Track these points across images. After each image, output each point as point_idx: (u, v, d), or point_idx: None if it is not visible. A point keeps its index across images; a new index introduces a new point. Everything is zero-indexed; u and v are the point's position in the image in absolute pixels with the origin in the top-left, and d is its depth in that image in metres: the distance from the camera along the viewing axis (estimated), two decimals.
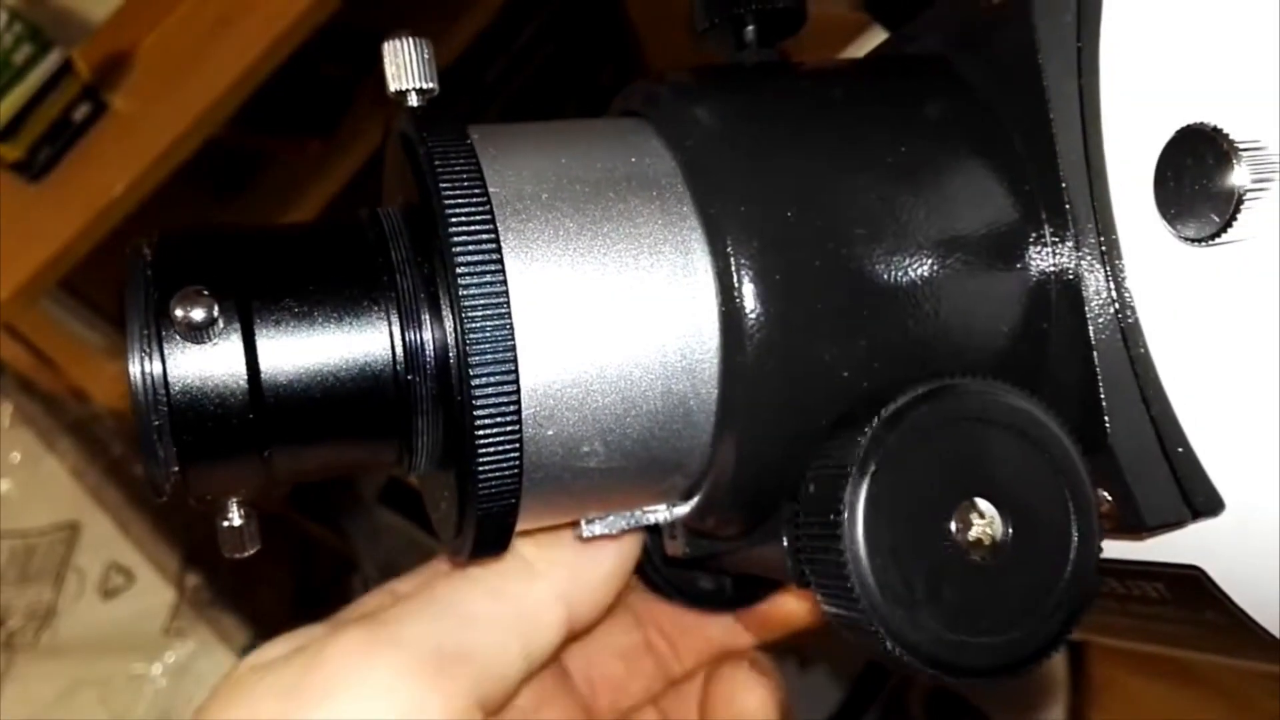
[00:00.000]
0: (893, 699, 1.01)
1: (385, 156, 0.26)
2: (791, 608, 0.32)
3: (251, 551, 0.24)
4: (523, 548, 0.27)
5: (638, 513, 0.26)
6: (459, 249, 0.21)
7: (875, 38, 0.41)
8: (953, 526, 0.21)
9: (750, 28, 0.28)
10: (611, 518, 0.26)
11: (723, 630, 0.33)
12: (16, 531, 1.13)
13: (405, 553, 1.45)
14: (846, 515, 0.20)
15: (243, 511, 0.24)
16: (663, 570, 0.32)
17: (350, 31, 1.20)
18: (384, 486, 0.84)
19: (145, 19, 1.06)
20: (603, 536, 0.26)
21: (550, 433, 0.22)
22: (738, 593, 0.33)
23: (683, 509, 0.26)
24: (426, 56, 0.25)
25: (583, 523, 0.26)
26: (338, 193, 1.20)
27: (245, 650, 1.07)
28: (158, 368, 0.21)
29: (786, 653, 1.05)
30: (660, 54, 1.44)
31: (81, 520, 1.12)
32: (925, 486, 0.21)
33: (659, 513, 0.26)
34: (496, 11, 1.26)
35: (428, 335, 0.22)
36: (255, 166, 1.24)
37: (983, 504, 0.21)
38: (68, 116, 1.03)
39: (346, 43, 1.24)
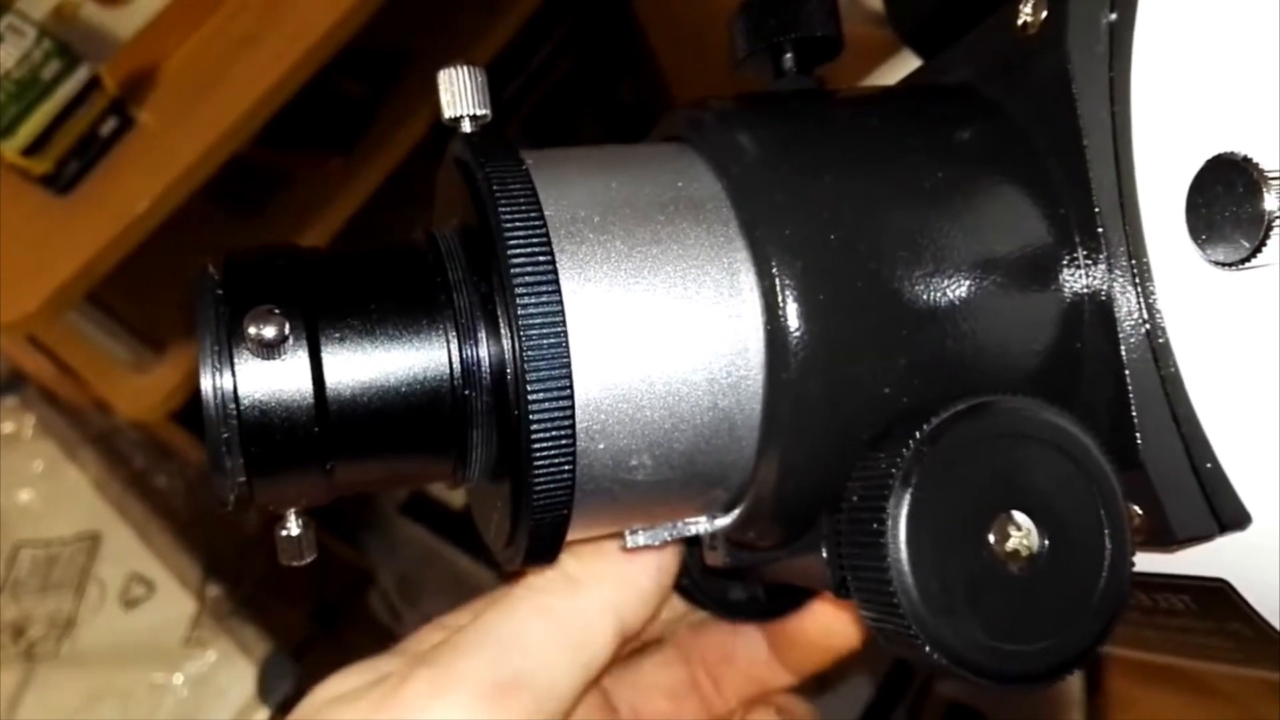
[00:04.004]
0: (910, 716, 1.02)
1: (438, 181, 0.27)
2: (827, 638, 0.33)
3: (309, 560, 0.25)
4: (566, 564, 0.28)
5: (679, 524, 0.27)
6: (517, 270, 0.22)
7: (901, 60, 0.42)
8: (991, 538, 0.21)
9: (789, 55, 0.29)
10: (654, 529, 0.27)
11: (764, 668, 0.34)
12: (38, 541, 1.14)
13: (422, 567, 1.46)
14: (890, 525, 0.21)
15: (301, 521, 0.25)
16: (699, 580, 0.33)
17: (370, 51, 1.22)
18: (406, 499, 0.85)
19: (172, 36, 1.08)
20: (646, 547, 0.27)
21: (601, 446, 0.23)
22: (770, 603, 0.33)
23: (724, 520, 0.26)
24: (480, 83, 0.26)
25: (627, 534, 0.27)
26: (357, 209, 1.22)
27: (265, 661, 1.08)
28: (228, 382, 0.22)
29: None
30: (675, 70, 1.45)
31: (103, 530, 1.13)
32: (965, 499, 0.21)
33: (699, 524, 0.27)
34: (515, 31, 1.28)
35: (484, 352, 0.23)
36: (276, 183, 1.26)
37: (1020, 517, 0.22)
38: (95, 131, 1.05)
39: (367, 62, 1.25)
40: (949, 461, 0.21)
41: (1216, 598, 0.26)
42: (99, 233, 1.02)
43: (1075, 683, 1.16)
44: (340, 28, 1.08)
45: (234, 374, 0.22)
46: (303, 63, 1.07)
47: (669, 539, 0.27)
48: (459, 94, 0.25)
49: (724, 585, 0.33)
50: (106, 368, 1.10)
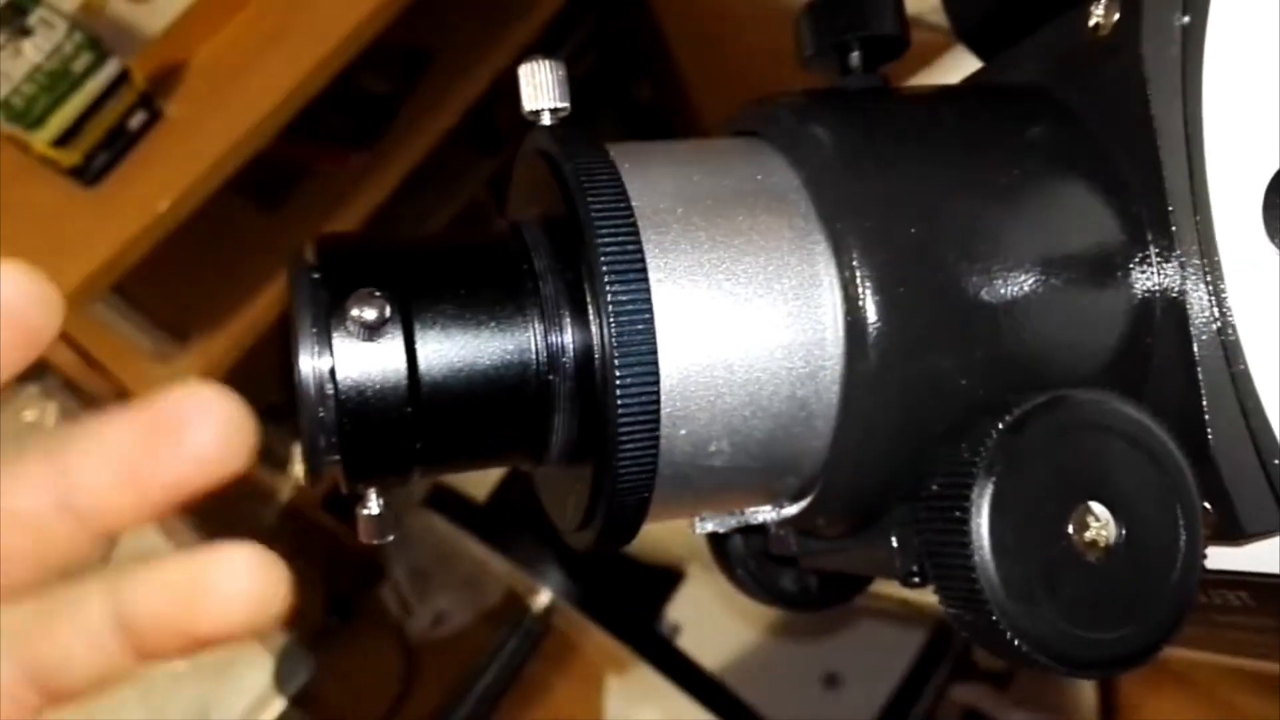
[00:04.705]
0: None
1: (514, 172, 0.28)
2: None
3: (389, 539, 0.25)
4: None
5: (747, 512, 0.27)
6: (608, 258, 0.23)
7: (953, 60, 0.42)
8: (1070, 528, 0.22)
9: (855, 53, 0.29)
10: (722, 517, 0.27)
11: None
12: None
13: (434, 562, 1.47)
14: (973, 512, 0.21)
15: (381, 501, 0.25)
16: (753, 571, 0.33)
17: (394, 49, 1.23)
18: (431, 492, 0.86)
19: (200, 31, 1.09)
20: (714, 532, 0.27)
21: (683, 432, 0.24)
22: (822, 594, 0.34)
23: (790, 510, 0.27)
24: (560, 76, 0.26)
25: (695, 521, 0.27)
26: (380, 205, 1.22)
27: (281, 652, 1.09)
28: (326, 363, 0.22)
29: (817, 674, 1.06)
30: (694, 72, 1.46)
31: None
32: (1044, 490, 0.22)
33: (765, 512, 0.28)
34: (537, 31, 1.28)
35: (568, 337, 0.24)
36: (299, 177, 1.27)
37: (1097, 508, 0.22)
38: (124, 124, 1.05)
39: (391, 59, 1.26)
40: (1030, 452, 0.22)
41: (1274, 592, 0.27)
42: (126, 224, 1.02)
43: (1090, 694, 1.17)
44: (366, 25, 1.08)
45: (332, 354, 0.22)
46: (328, 59, 1.07)
47: (735, 526, 0.28)
48: (540, 87, 0.26)
49: (776, 576, 0.34)
50: (130, 358, 1.11)
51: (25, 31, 1.02)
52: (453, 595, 1.51)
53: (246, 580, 0.21)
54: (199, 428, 0.22)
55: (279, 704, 1.08)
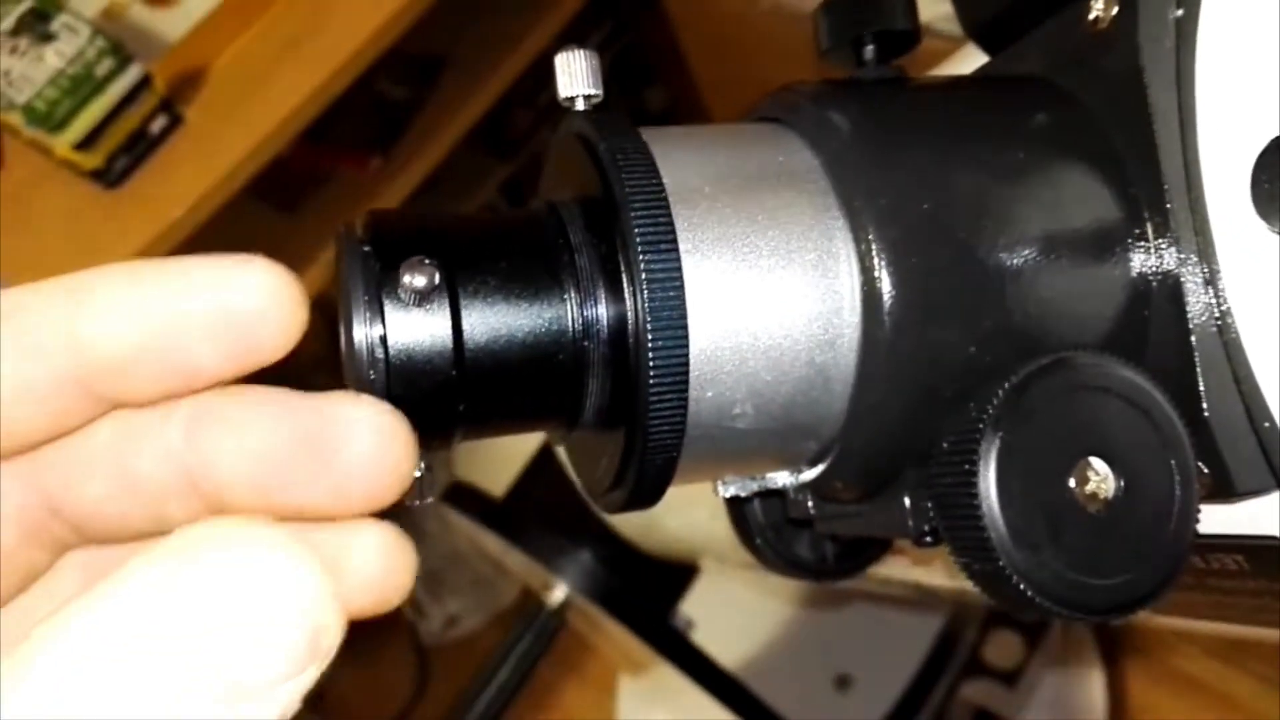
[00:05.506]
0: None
1: (549, 155, 0.29)
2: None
3: (429, 500, 0.27)
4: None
5: (767, 476, 0.29)
6: (640, 231, 0.24)
7: (950, 65, 0.44)
8: (1071, 482, 0.23)
9: (870, 47, 0.31)
10: (744, 480, 0.29)
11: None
12: None
13: (446, 564, 1.48)
14: (981, 465, 0.23)
15: (423, 464, 0.27)
16: (771, 540, 0.35)
17: (411, 55, 1.25)
18: (450, 488, 0.88)
19: (221, 37, 1.11)
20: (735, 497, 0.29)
21: (709, 394, 0.25)
22: (838, 564, 0.35)
23: (809, 474, 0.29)
24: (594, 65, 0.28)
25: (719, 484, 0.29)
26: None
27: None
28: (377, 330, 0.24)
29: (826, 673, 1.07)
30: (708, 78, 1.48)
31: None
32: (1048, 445, 0.23)
33: (784, 477, 0.29)
34: (551, 38, 1.31)
35: (603, 307, 0.25)
36: (316, 181, 1.29)
37: (1097, 463, 0.24)
38: (145, 128, 1.08)
39: (408, 66, 1.28)
40: (1034, 410, 0.23)
41: (1269, 556, 0.28)
42: (146, 227, 1.05)
43: (1098, 692, 1.18)
44: (384, 32, 1.11)
45: (384, 322, 0.24)
46: (346, 66, 1.10)
47: (756, 490, 0.29)
48: (575, 75, 0.28)
49: (793, 546, 0.35)
50: None
51: (48, 37, 1.04)
52: (465, 598, 1.52)
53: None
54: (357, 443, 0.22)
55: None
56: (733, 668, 0.95)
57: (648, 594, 0.95)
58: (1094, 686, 1.17)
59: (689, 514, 0.76)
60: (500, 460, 0.91)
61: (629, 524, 0.86)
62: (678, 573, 0.98)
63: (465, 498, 0.86)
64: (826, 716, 1.04)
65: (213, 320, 0.22)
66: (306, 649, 0.17)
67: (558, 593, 0.95)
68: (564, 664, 1.36)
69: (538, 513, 0.86)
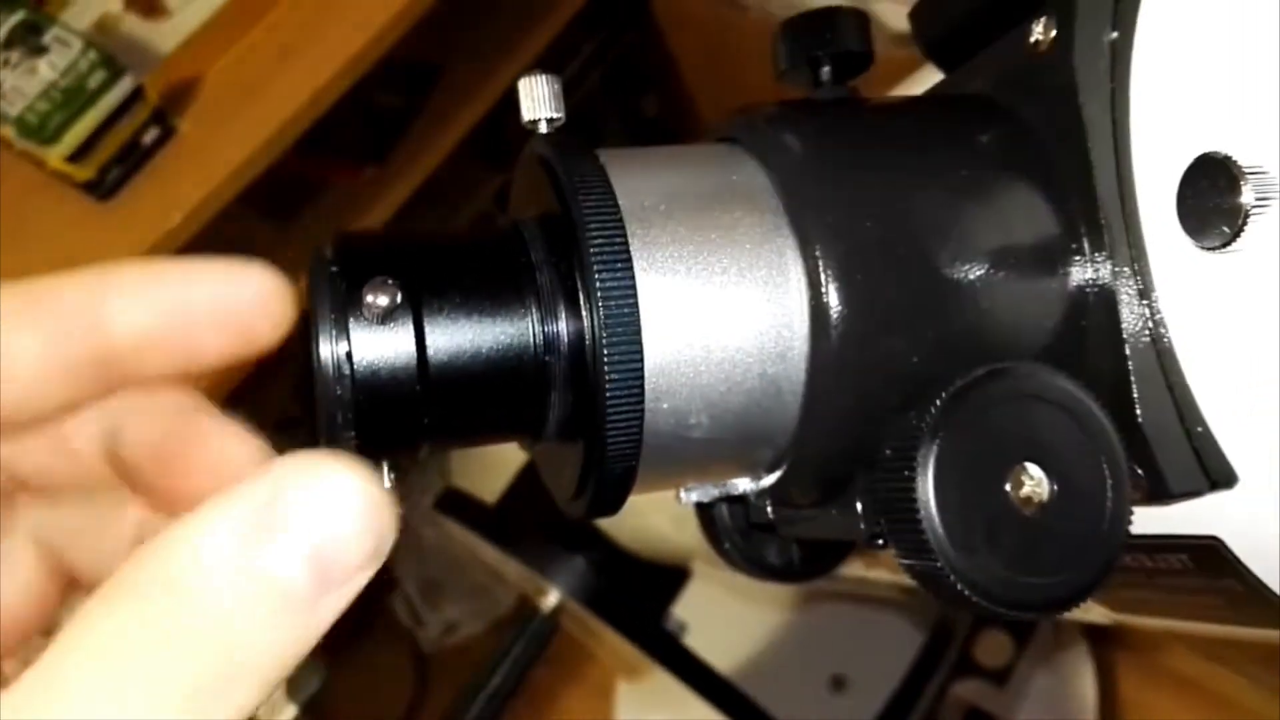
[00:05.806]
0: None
1: (515, 177, 0.31)
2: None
3: (406, 504, 0.28)
4: None
5: (728, 483, 0.30)
6: (596, 251, 0.25)
7: (916, 80, 0.45)
8: (1007, 486, 0.25)
9: (826, 68, 0.32)
10: (705, 487, 0.30)
11: None
12: None
13: (445, 572, 1.49)
14: (919, 471, 0.24)
15: (392, 476, 0.28)
16: (739, 544, 0.36)
17: (405, 65, 1.26)
18: (442, 494, 0.89)
19: (213, 48, 1.12)
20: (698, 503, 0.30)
21: (665, 406, 0.26)
22: (805, 567, 0.37)
23: (767, 480, 0.30)
24: (556, 90, 0.29)
25: (681, 491, 0.30)
26: (391, 218, 1.25)
27: None
28: (343, 347, 0.25)
29: (820, 675, 1.08)
30: (699, 86, 1.49)
31: None
32: (985, 452, 0.25)
33: (744, 483, 0.30)
34: (545, 47, 1.32)
35: (563, 323, 0.26)
36: (310, 190, 1.30)
37: (1032, 468, 0.25)
38: (137, 140, 1.08)
39: (402, 75, 1.29)
40: (972, 418, 0.25)
41: (1210, 555, 0.30)
42: (139, 239, 1.05)
43: (1090, 691, 1.19)
44: (377, 42, 1.11)
45: (349, 339, 0.25)
46: (340, 75, 1.10)
47: (717, 496, 0.30)
48: (538, 100, 0.29)
49: (761, 550, 0.37)
50: None
51: (40, 49, 1.05)
52: (463, 605, 1.53)
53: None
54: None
55: (290, 712, 1.11)
56: (727, 670, 0.96)
57: (640, 598, 0.96)
58: (1085, 685, 1.18)
59: (680, 514, 0.77)
60: (493, 467, 0.92)
61: (621, 527, 0.87)
62: (670, 576, 0.99)
63: (458, 504, 0.87)
64: (822, 718, 1.05)
65: (218, 312, 0.26)
66: (374, 550, 0.22)
67: (551, 597, 0.96)
68: (562, 669, 1.36)
69: (530, 518, 0.87)
